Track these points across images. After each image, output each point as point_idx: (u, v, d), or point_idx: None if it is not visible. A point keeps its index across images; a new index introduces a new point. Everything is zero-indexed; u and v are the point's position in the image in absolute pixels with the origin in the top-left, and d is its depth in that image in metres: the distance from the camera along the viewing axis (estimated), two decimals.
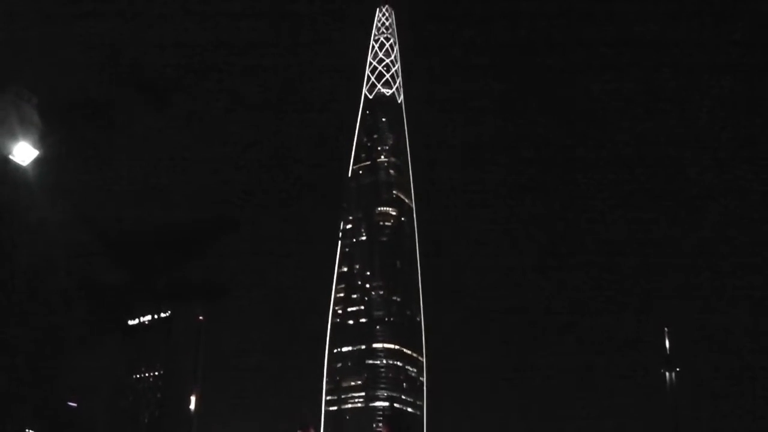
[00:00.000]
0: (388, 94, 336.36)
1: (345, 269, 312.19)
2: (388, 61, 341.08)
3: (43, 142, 25.38)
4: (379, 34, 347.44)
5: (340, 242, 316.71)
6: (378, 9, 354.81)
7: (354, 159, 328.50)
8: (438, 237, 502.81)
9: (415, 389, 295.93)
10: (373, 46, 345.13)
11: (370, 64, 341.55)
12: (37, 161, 25.39)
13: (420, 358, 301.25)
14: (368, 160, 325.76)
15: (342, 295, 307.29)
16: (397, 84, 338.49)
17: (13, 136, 24.94)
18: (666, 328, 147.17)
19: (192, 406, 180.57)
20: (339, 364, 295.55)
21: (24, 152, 25.02)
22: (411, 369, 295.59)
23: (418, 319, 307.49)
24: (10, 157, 24.80)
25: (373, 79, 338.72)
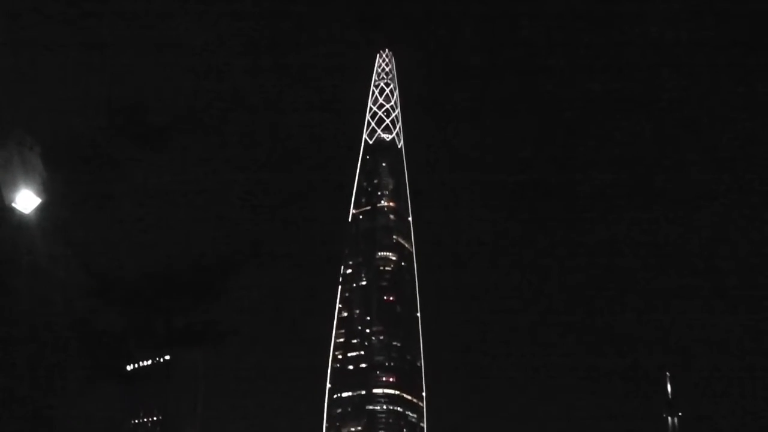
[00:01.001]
0: (388, 140, 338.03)
1: (345, 314, 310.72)
2: (388, 106, 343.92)
3: (45, 188, 25.75)
4: (379, 80, 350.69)
5: (340, 287, 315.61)
6: (378, 54, 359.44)
7: (354, 204, 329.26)
8: (437, 239, 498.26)
9: None
10: (374, 92, 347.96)
11: (371, 109, 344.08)
12: (39, 207, 25.81)
13: (420, 403, 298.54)
14: (368, 205, 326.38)
15: (342, 340, 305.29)
16: (397, 129, 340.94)
17: (16, 184, 25.33)
18: (668, 373, 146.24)
19: None
20: (339, 410, 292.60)
21: (26, 200, 25.33)
22: (411, 414, 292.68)
23: (419, 364, 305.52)
24: (13, 204, 25.07)
25: (373, 124, 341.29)
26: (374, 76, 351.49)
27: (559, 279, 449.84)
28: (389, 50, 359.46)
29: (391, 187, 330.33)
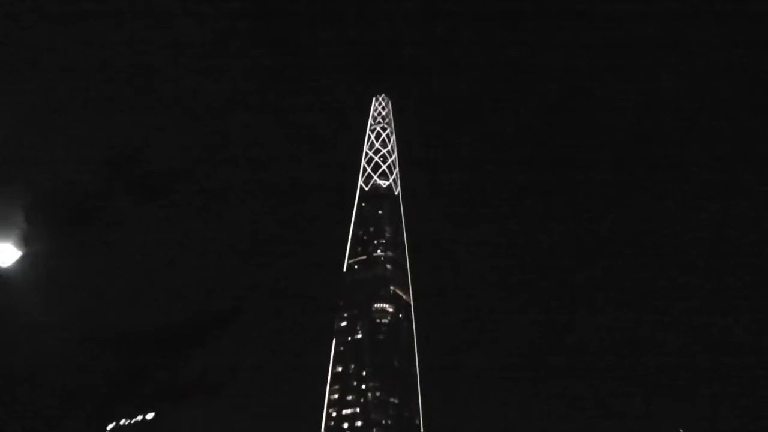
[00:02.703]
0: (384, 186, 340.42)
1: (339, 369, 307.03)
2: (384, 151, 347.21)
3: (27, 240, 25.73)
4: (375, 124, 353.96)
5: (334, 340, 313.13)
6: (374, 98, 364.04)
7: (349, 253, 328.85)
8: (436, 289, 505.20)
9: None
10: (369, 137, 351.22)
11: (366, 155, 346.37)
12: (21, 260, 25.90)
13: None
14: (364, 254, 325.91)
15: (336, 396, 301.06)
16: (394, 175, 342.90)
17: None
18: (681, 430, 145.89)
19: None
20: None
21: (5, 253, 25.46)
22: None
23: (417, 421, 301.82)
24: None
25: (369, 170, 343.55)
26: (370, 120, 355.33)
27: (558, 279, 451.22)
28: (385, 95, 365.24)
29: (387, 235, 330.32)
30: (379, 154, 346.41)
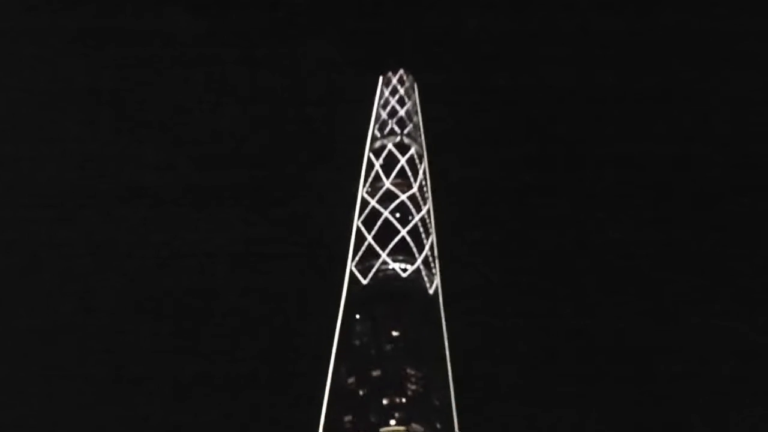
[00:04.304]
0: (404, 275, 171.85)
1: None
2: (404, 197, 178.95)
3: None
4: (382, 137, 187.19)
5: None
6: (381, 77, 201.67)
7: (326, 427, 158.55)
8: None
9: None
10: (372, 165, 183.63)
11: (363, 206, 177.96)
12: None
13: None
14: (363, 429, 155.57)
15: None
16: (426, 250, 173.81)
17: None
18: None
19: None
20: None
21: None
22: None
23: None
24: None
25: (369, 239, 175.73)
26: (373, 130, 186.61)
27: (566, 281, 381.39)
28: (405, 72, 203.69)
29: (412, 387, 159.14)
30: (392, 206, 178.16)
